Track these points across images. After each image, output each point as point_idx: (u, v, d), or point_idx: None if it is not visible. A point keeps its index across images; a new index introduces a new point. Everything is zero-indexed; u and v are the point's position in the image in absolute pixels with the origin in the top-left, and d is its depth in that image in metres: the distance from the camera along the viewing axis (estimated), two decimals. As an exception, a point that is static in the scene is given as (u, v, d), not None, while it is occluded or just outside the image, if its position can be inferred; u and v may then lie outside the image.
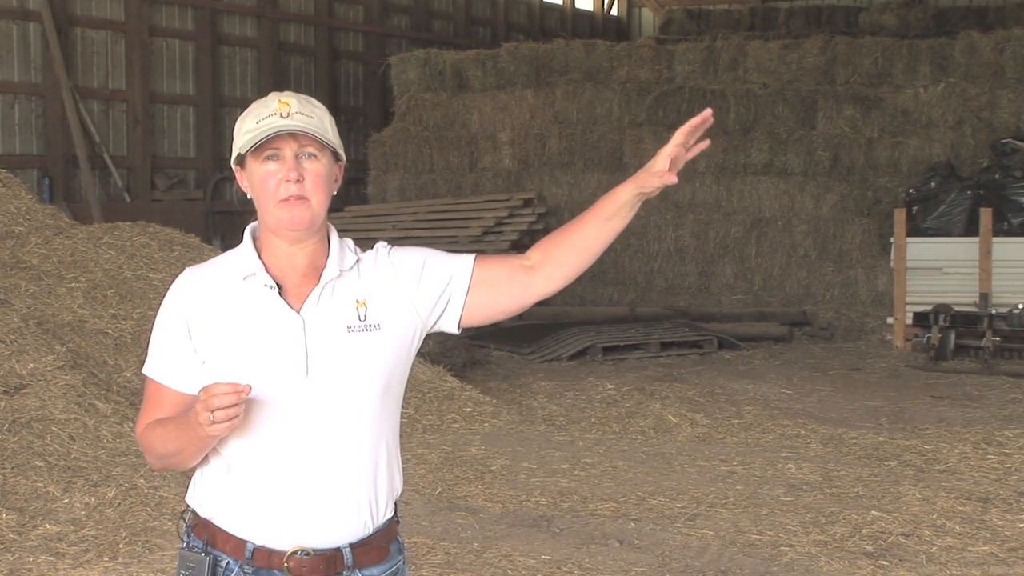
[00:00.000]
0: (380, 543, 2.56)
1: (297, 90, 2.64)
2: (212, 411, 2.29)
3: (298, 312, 2.51)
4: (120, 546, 5.74)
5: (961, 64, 15.06)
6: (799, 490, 6.96)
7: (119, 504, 6.32)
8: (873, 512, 6.42)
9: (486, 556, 5.75)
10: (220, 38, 17.80)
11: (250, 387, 2.32)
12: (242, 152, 2.51)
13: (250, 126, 2.50)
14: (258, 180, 2.51)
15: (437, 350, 9.96)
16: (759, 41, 16.60)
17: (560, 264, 2.59)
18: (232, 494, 2.50)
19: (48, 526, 5.98)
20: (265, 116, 2.49)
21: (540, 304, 14.84)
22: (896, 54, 15.35)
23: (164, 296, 2.60)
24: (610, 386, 9.90)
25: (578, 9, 27.81)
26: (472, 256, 2.63)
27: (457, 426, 8.62)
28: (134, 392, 7.91)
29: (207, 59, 17.43)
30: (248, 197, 2.57)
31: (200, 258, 9.10)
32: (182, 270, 2.63)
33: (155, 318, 2.59)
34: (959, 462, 7.59)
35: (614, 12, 29.21)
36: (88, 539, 5.84)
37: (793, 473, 7.37)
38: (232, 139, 2.61)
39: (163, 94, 16.92)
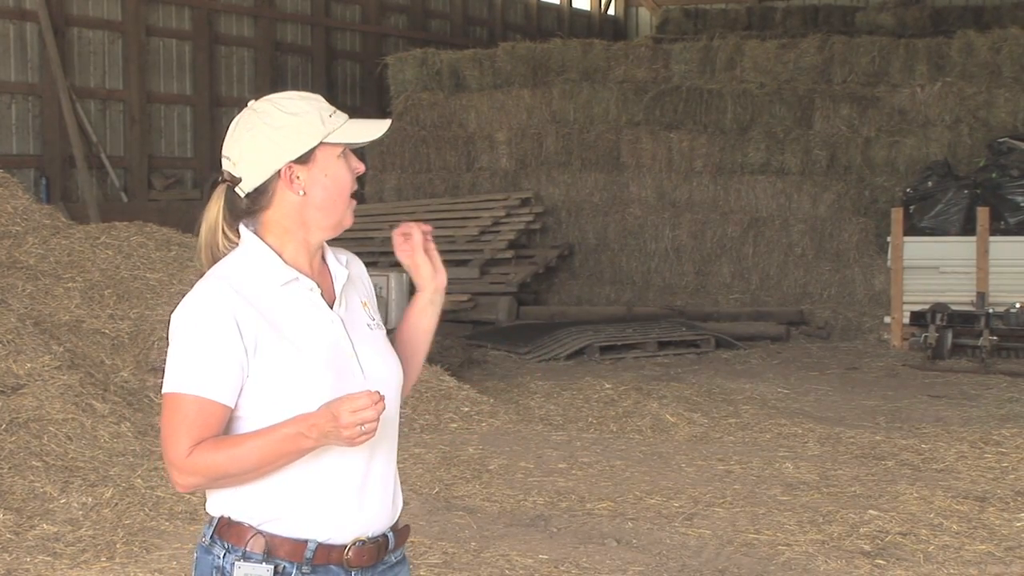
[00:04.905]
0: (403, 524, 2.66)
1: (294, 90, 2.63)
2: (363, 423, 2.30)
3: (333, 312, 2.56)
4: (117, 546, 5.74)
5: (958, 63, 15.07)
6: (796, 489, 6.96)
7: (116, 504, 6.31)
8: (870, 511, 6.42)
9: (484, 556, 5.75)
10: (217, 38, 17.79)
11: (384, 396, 2.36)
12: (355, 140, 2.50)
13: (324, 118, 2.49)
14: (342, 173, 2.52)
15: (434, 350, 9.94)
16: (756, 40, 16.60)
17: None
18: (289, 497, 2.46)
19: (45, 526, 5.98)
20: (333, 111, 2.52)
21: (537, 303, 14.68)
22: (893, 53, 15.36)
23: (179, 298, 2.55)
24: (607, 385, 9.89)
25: (575, 9, 27.82)
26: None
27: (455, 426, 8.63)
28: (131, 392, 7.91)
29: (204, 59, 17.43)
30: (299, 196, 2.50)
31: (197, 258, 9.06)
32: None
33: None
34: (956, 461, 7.60)
35: (611, 12, 29.22)
36: (85, 539, 5.83)
37: (790, 472, 7.38)
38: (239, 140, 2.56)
39: (160, 94, 16.92)
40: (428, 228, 2.72)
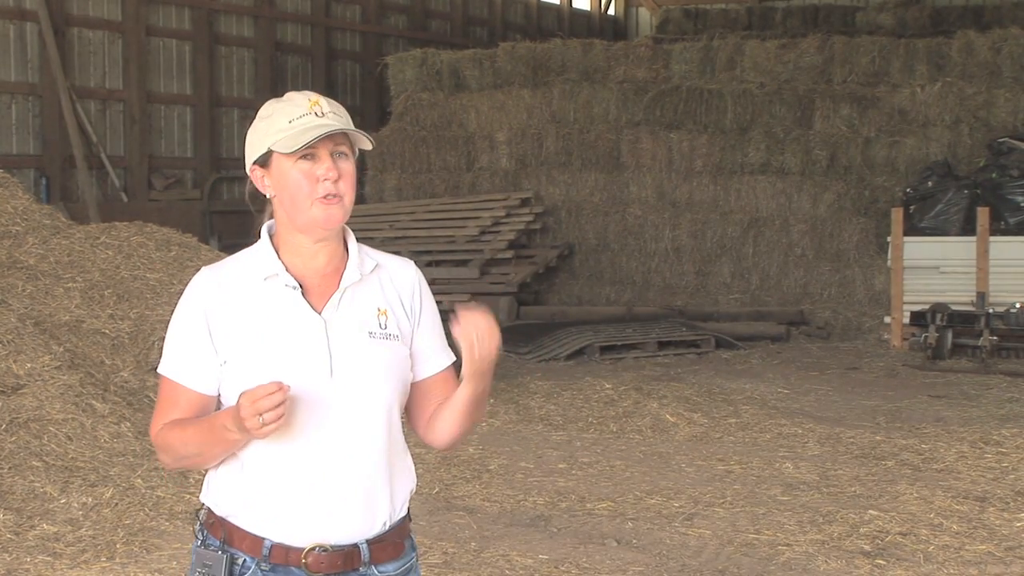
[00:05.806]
0: (395, 540, 2.60)
1: (294, 90, 2.65)
2: (261, 414, 2.31)
3: (319, 313, 2.54)
4: (117, 546, 5.74)
5: (958, 63, 15.06)
6: (796, 489, 6.96)
7: (116, 504, 6.32)
8: (870, 511, 6.43)
9: (484, 556, 5.75)
10: (217, 38, 17.79)
11: (289, 386, 2.34)
12: (283, 150, 2.49)
13: (281, 125, 2.51)
14: (293, 179, 2.51)
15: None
16: (756, 40, 16.59)
17: (438, 436, 2.66)
18: (249, 492, 2.51)
19: (45, 526, 5.98)
20: (299, 115, 2.50)
21: (537, 303, 14.66)
22: (893, 53, 15.35)
23: (179, 296, 2.60)
24: (607, 385, 9.90)
25: (575, 9, 27.82)
26: (450, 362, 2.68)
27: (454, 426, 8.62)
28: (131, 392, 7.91)
29: (204, 59, 17.42)
30: (269, 196, 2.57)
31: (197, 258, 9.09)
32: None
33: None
34: (956, 461, 7.60)
35: (611, 12, 29.23)
36: (85, 539, 5.83)
37: (790, 472, 7.38)
38: (240, 140, 2.60)
39: (160, 94, 16.91)
40: (493, 348, 2.47)
